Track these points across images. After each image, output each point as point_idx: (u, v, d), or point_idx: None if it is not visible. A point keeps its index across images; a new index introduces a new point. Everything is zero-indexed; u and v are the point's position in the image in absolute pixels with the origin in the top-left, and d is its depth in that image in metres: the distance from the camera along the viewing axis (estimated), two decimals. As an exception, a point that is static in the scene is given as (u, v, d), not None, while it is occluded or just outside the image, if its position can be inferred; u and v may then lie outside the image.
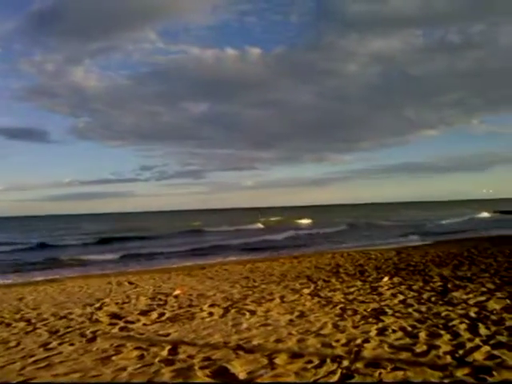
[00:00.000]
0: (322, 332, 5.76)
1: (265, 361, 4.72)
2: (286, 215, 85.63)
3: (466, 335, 5.35)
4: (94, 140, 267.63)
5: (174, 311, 7.57)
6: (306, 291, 8.89)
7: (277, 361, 4.69)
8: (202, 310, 7.49)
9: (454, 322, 5.98)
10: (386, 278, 10.10)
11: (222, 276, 12.14)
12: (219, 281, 11.16)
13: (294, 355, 4.87)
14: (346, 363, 4.51)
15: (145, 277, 13.34)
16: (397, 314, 6.60)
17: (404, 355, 4.71)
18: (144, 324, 6.74)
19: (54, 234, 50.49)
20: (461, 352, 4.73)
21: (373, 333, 5.63)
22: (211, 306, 7.85)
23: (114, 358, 5.06)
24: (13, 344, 5.90)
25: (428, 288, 8.76)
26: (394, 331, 5.66)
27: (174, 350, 5.22)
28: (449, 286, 8.87)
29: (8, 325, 7.12)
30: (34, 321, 7.30)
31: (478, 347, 4.86)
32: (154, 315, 7.32)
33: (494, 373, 4.08)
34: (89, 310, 8.06)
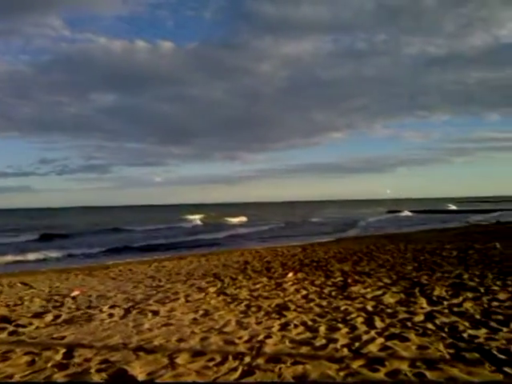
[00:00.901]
0: (226, 330, 5.74)
1: (166, 361, 4.61)
2: (213, 213, 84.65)
3: (363, 328, 5.56)
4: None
5: (71, 313, 7.19)
6: (212, 289, 8.83)
7: (178, 360, 4.60)
8: (101, 312, 7.19)
9: (352, 316, 6.20)
10: (290, 274, 10.30)
11: (125, 276, 11.74)
12: (122, 281, 10.79)
13: (196, 354, 4.80)
14: (247, 360, 4.52)
15: (40, 277, 12.59)
16: (299, 309, 6.73)
17: (304, 349, 4.80)
18: (37, 327, 6.32)
19: None
20: (357, 344, 4.90)
21: (275, 328, 5.69)
22: (112, 307, 7.56)
23: None
24: None
25: (329, 283, 9.03)
26: (295, 326, 5.76)
27: (69, 354, 4.94)
28: (348, 280, 9.20)
29: None
30: None
31: (373, 339, 5.06)
32: (49, 317, 6.90)
33: (387, 363, 4.26)
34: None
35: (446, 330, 5.35)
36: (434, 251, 14.43)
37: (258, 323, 6.00)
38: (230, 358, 4.60)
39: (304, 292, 8.12)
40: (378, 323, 5.76)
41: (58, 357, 4.87)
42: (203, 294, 8.40)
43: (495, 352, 4.46)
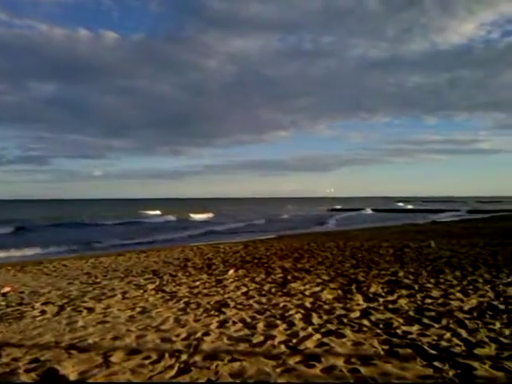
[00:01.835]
0: (163, 327, 5.64)
1: (100, 359, 4.49)
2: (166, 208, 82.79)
3: (300, 324, 5.61)
4: None
5: (0, 310, 6.88)
6: (151, 286, 8.67)
7: (113, 359, 4.49)
8: (33, 309, 6.92)
9: (291, 312, 6.24)
10: (231, 271, 10.26)
11: (60, 272, 11.34)
12: (56, 277, 10.41)
13: (132, 352, 4.70)
14: (184, 357, 4.46)
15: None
16: (238, 306, 6.71)
17: (242, 346, 4.78)
18: (-37, 326, 6.01)
19: None
20: (294, 341, 4.94)
21: (214, 325, 5.64)
22: (44, 303, 7.29)
23: None
24: None
25: (270, 280, 9.07)
26: (234, 323, 5.74)
27: (-5, 354, 4.72)
28: (288, 277, 9.28)
29: None
30: None
31: (310, 335, 5.12)
32: (-24, 316, 6.57)
33: (323, 359, 4.31)
34: None
35: (381, 326, 5.48)
36: (371, 249, 14.81)
37: (197, 320, 5.94)
38: (167, 355, 4.52)
39: (244, 289, 8.12)
40: (316, 320, 5.83)
41: (-16, 357, 4.63)
42: (141, 291, 8.23)
43: (426, 347, 4.60)
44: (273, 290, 7.98)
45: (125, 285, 8.98)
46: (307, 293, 7.62)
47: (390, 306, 6.58)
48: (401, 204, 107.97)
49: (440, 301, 6.84)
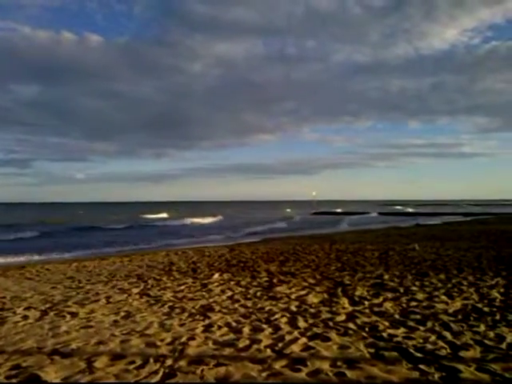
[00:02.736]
0: (148, 332, 5.58)
1: (83, 365, 4.42)
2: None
3: (286, 328, 5.59)
4: None
5: (-20, 316, 6.76)
6: (135, 290, 8.59)
7: (96, 364, 4.43)
8: (15, 314, 6.80)
9: (277, 316, 6.22)
10: (216, 275, 10.22)
11: (42, 276, 11.18)
12: (39, 282, 10.26)
13: (116, 357, 4.64)
14: (169, 362, 4.41)
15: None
16: (224, 310, 6.67)
17: (227, 351, 4.75)
18: None
19: None
20: (280, 345, 4.92)
21: (199, 330, 5.60)
22: (27, 308, 7.18)
23: None
24: None
25: (255, 283, 9.04)
26: (219, 327, 5.70)
27: (-25, 360, 4.62)
28: (274, 281, 9.26)
29: None
30: None
31: (296, 339, 5.10)
32: (-44, 322, 6.44)
33: (308, 363, 4.30)
34: None
35: (367, 329, 5.48)
36: (356, 252, 14.85)
37: (182, 325, 5.89)
38: (151, 360, 4.48)
39: (229, 293, 8.07)
40: (301, 323, 5.82)
41: (-36, 363, 4.53)
42: (125, 295, 8.15)
43: (412, 350, 4.61)
44: (258, 293, 7.95)
45: (109, 289, 8.88)
46: (293, 296, 7.60)
47: (376, 309, 6.59)
48: (399, 207, 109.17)
49: (425, 303, 6.87)
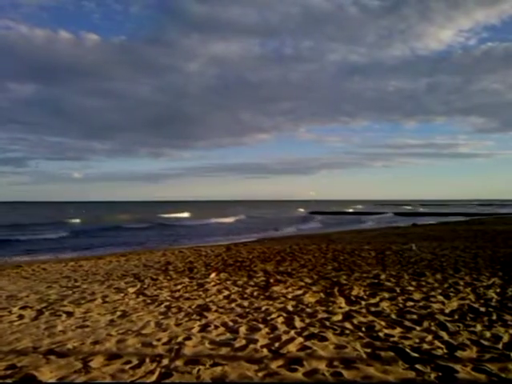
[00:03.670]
0: (144, 331, 5.57)
1: (79, 364, 4.40)
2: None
3: (283, 328, 5.58)
4: None
5: (-25, 316, 6.73)
6: (132, 290, 8.57)
7: (92, 364, 4.41)
8: (10, 313, 6.78)
9: (273, 316, 6.21)
10: (213, 275, 10.20)
11: (38, 275, 11.15)
12: (35, 281, 10.24)
13: (112, 357, 4.63)
14: (165, 362, 4.40)
15: None
16: (220, 310, 6.66)
17: (224, 351, 4.74)
18: None
19: None
20: (277, 344, 4.91)
21: (195, 329, 5.59)
22: (22, 308, 7.15)
23: None
24: None
25: (252, 283, 9.03)
26: (216, 327, 5.69)
27: (-30, 361, 4.59)
28: (271, 280, 9.25)
29: None
30: None
31: (292, 339, 5.09)
32: (-49, 321, 6.41)
33: (305, 363, 4.29)
34: None
35: (364, 329, 5.47)
36: (353, 252, 14.86)
37: (178, 324, 5.87)
38: (148, 360, 4.46)
39: (226, 292, 8.06)
40: (298, 323, 5.81)
41: (-42, 363, 4.51)
42: (122, 294, 8.13)
43: (408, 350, 4.61)
44: (255, 293, 7.94)
45: (105, 288, 8.86)
46: (289, 296, 7.59)
47: (373, 308, 6.59)
48: (408, 207, 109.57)
49: (421, 303, 6.87)
